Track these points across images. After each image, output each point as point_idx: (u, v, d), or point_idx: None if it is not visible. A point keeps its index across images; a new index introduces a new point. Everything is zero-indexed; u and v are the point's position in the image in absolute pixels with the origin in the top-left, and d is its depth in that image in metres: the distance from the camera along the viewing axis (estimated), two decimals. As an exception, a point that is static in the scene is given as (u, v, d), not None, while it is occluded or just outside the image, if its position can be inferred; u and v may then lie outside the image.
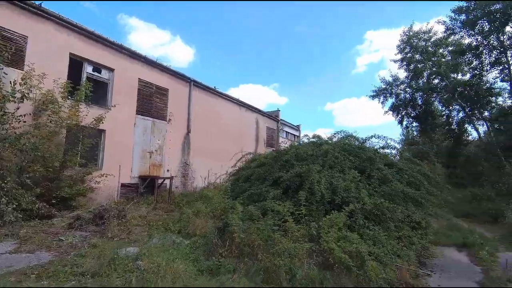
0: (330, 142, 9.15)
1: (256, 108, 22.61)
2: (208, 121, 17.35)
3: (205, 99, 17.39)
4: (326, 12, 78.94)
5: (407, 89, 24.38)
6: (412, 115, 24.76)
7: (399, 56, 24.94)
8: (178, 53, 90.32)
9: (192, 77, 15.96)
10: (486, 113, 22.17)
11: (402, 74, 24.82)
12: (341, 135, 9.72)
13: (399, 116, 24.85)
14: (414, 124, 25.35)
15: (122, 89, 12.24)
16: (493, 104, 20.76)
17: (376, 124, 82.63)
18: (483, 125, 22.40)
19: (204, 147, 16.76)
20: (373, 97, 24.88)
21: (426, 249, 6.73)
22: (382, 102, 24.93)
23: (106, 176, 10.19)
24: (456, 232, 10.05)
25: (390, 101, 24.82)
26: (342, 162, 7.64)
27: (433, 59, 23.54)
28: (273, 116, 26.85)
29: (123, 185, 12.09)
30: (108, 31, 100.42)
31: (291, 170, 7.48)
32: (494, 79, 18.56)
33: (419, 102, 24.20)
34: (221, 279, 4.31)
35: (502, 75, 17.95)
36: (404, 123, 25.09)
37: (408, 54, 24.61)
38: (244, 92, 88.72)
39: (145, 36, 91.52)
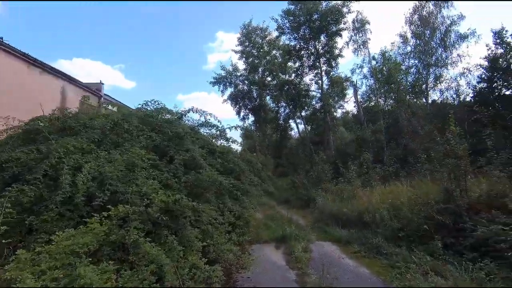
0: (127, 112, 6.32)
1: (62, 73, 16.53)
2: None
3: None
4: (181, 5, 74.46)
5: (245, 81, 24.90)
6: (248, 107, 25.56)
7: (239, 48, 25.16)
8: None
9: None
10: (303, 113, 25.64)
11: (241, 65, 25.32)
12: (152, 106, 7.02)
13: (237, 106, 25.13)
14: (251, 117, 26.34)
15: None
16: (308, 105, 24.09)
17: (226, 118, 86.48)
18: (301, 123, 25.84)
19: None
20: (213, 83, 23.97)
21: (239, 257, 5.08)
22: (222, 91, 24.48)
23: None
24: (277, 222, 9.61)
25: (230, 90, 24.71)
26: (135, 139, 4.96)
27: (267, 57, 25.04)
28: (92, 89, 21.05)
29: None
30: None
31: (31, 147, 4.12)
32: (310, 81, 21.27)
33: (255, 95, 25.26)
34: None
35: (316, 79, 20.77)
36: (242, 114, 25.63)
37: (247, 48, 25.19)
38: (79, 67, 70.84)
39: None
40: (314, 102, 23.07)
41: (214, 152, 5.88)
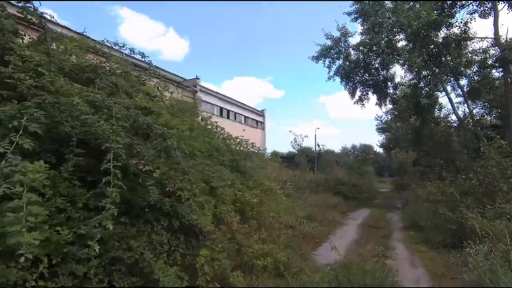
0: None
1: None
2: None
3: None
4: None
5: (363, 48, 17.87)
6: (369, 82, 18.42)
7: (353, 8, 18.46)
8: (172, 46, 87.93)
9: None
10: (464, 82, 16.23)
11: (354, 27, 18.61)
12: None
13: (350, 84, 18.46)
14: (371, 96, 18.95)
15: None
16: (469, 64, 14.67)
17: (366, 117, 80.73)
18: (462, 102, 16.50)
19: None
20: (316, 58, 18.30)
21: None
22: (329, 66, 18.42)
23: None
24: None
25: (338, 63, 18.40)
26: None
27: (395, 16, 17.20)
28: (189, 85, 20.59)
29: None
30: (98, 21, 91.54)
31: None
32: (470, 14, 12.27)
33: (376, 65, 17.90)
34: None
35: (482, 9, 11.76)
36: (357, 94, 18.70)
37: (366, 6, 18.22)
38: (239, 84, 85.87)
39: (137, 28, 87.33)
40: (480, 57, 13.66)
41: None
